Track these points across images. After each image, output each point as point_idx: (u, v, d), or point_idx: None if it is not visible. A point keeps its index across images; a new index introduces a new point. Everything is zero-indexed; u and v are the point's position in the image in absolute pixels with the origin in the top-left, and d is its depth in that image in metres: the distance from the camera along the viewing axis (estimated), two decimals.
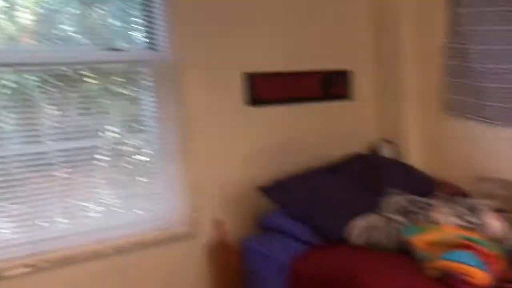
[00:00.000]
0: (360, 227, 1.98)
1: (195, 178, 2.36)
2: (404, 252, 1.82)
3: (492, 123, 2.34)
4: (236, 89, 2.47)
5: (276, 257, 2.03)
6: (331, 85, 2.70)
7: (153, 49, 2.25)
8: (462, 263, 1.48)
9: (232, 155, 2.46)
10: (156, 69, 2.24)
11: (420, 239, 1.70)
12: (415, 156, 2.71)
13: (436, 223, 1.87)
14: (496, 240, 1.77)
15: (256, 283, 2.21)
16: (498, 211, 2.08)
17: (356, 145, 2.75)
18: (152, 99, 2.25)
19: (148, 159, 2.29)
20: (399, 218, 2.00)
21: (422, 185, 2.36)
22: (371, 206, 2.14)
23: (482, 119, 2.38)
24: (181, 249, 2.34)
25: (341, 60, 2.75)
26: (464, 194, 2.23)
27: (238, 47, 2.45)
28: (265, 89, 2.53)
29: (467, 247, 1.54)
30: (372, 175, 2.34)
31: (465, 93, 2.45)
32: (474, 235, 1.62)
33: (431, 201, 2.06)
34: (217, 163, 2.42)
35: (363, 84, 2.82)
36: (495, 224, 1.80)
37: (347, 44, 2.78)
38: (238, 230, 2.43)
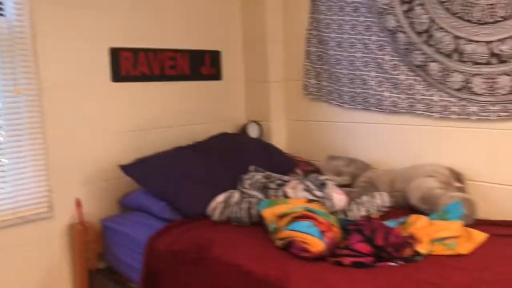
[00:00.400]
0: (219, 203, 2.04)
1: (55, 157, 2.24)
2: (259, 225, 1.92)
3: (345, 106, 2.55)
4: (101, 64, 2.38)
5: (135, 235, 2.02)
6: (200, 65, 2.72)
7: (2, 15, 2.07)
8: (302, 232, 1.60)
9: (95, 133, 2.37)
10: (6, 37, 2.06)
11: (270, 212, 1.80)
12: (279, 136, 2.86)
13: (287, 197, 2.00)
14: (339, 212, 1.95)
15: (117, 263, 2.18)
16: (344, 186, 2.30)
17: (224, 125, 2.82)
18: (3, 70, 2.08)
19: (2, 137, 2.11)
20: (256, 193, 2.10)
21: (282, 164, 2.50)
22: (232, 183, 2.23)
23: (337, 103, 2.58)
24: (38, 230, 2.22)
25: (211, 41, 2.78)
26: (318, 172, 2.41)
27: (104, 21, 2.36)
28: (133, 65, 2.47)
29: (307, 217, 1.67)
30: (235, 154, 2.42)
31: (323, 78, 2.63)
32: (315, 207, 1.76)
33: (286, 178, 2.19)
34: (79, 141, 2.32)
35: (233, 66, 2.88)
36: (338, 197, 1.97)
37: (217, 25, 2.81)
38: (101, 210, 2.37)
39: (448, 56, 2.08)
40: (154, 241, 1.88)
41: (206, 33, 2.76)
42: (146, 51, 2.51)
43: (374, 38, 2.34)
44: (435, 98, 2.17)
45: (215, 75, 2.81)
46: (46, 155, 2.21)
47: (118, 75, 2.42)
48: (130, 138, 2.48)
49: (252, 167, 2.28)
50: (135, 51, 2.47)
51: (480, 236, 1.70)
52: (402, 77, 2.27)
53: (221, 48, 2.83)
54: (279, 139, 2.85)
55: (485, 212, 1.97)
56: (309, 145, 2.75)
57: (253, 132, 2.82)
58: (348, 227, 1.69)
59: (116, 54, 2.40)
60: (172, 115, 2.64)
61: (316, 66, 2.65)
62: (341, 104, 2.56)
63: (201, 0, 2.72)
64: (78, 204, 2.29)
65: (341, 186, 2.30)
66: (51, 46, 2.19)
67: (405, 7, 2.18)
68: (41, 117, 2.19)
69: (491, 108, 2.00)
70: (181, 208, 2.05)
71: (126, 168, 2.19)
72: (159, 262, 1.81)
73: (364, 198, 2.02)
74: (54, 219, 2.26)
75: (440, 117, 2.17)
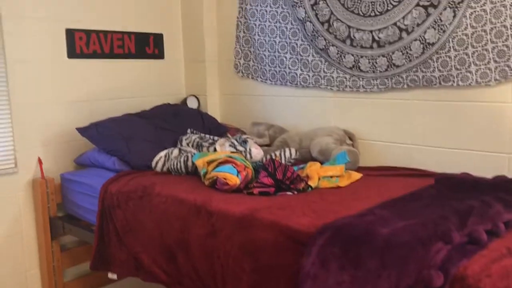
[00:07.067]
0: (161, 157, 2.52)
1: (19, 121, 2.62)
2: (194, 175, 2.42)
3: (267, 82, 3.08)
4: (59, 43, 2.77)
5: (92, 183, 2.46)
6: (145, 45, 3.16)
7: None
8: (224, 172, 2.12)
9: (54, 102, 2.76)
10: None
11: (201, 160, 2.30)
12: (214, 108, 3.37)
13: (215, 151, 2.52)
14: (255, 162, 2.48)
15: (75, 208, 2.61)
16: (265, 145, 2.84)
17: (167, 98, 3.28)
18: None
19: None
20: (192, 150, 2.60)
21: (215, 129, 3.01)
22: (173, 143, 2.72)
23: (261, 80, 3.12)
24: (5, 184, 2.61)
25: (155, 24, 3.23)
26: (243, 134, 2.94)
27: (62, 5, 2.75)
28: (86, 44, 2.87)
29: (228, 161, 2.19)
30: (176, 120, 2.90)
31: (250, 59, 3.15)
32: (235, 155, 2.29)
33: (216, 138, 2.71)
34: (40, 108, 2.71)
35: (174, 46, 3.35)
36: (255, 151, 2.50)
37: (160, 11, 3.26)
38: (59, 167, 2.78)
39: (343, 41, 2.65)
40: (108, 185, 2.34)
41: (150, 17, 3.20)
42: (97, 32, 2.92)
43: (289, 26, 2.88)
44: (334, 75, 2.74)
45: (158, 54, 3.26)
46: (11, 120, 2.60)
47: (73, 53, 2.82)
48: (84, 107, 2.89)
49: (189, 130, 2.77)
50: (87, 32, 2.87)
51: (357, 176, 2.29)
52: (310, 58, 2.82)
53: (163, 31, 3.28)
54: (214, 110, 3.35)
55: (369, 162, 2.58)
56: (238, 114, 3.28)
57: (192, 104, 3.30)
58: (259, 169, 2.22)
59: (71, 34, 2.80)
60: (121, 88, 3.07)
61: (244, 48, 3.17)
62: (264, 81, 3.09)
63: None
64: (40, 161, 2.70)
65: (262, 146, 2.84)
66: (15, 27, 2.57)
67: (312, 1, 2.73)
68: (7, 87, 2.57)
69: (373, 82, 2.59)
70: (130, 162, 2.52)
71: (82, 130, 2.62)
72: (112, 201, 2.27)
73: (277, 152, 2.56)
74: (19, 174, 2.65)
75: (338, 90, 2.74)
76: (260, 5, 2.99)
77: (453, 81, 2.28)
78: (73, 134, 2.71)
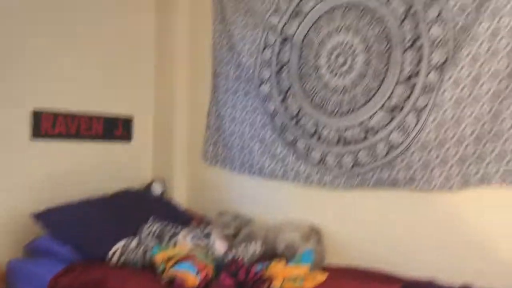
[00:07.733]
0: (118, 248, 2.40)
1: None
2: (150, 268, 2.29)
3: (235, 171, 3.06)
4: (22, 124, 2.71)
5: (40, 275, 2.30)
6: (113, 128, 3.13)
7: None
8: (183, 270, 2.02)
9: (12, 184, 2.65)
10: None
11: (161, 255, 2.19)
12: (181, 193, 3.30)
13: (177, 244, 2.42)
14: (220, 256, 2.38)
15: None
16: (230, 236, 2.76)
17: (132, 181, 3.20)
18: None
19: None
20: (152, 241, 2.49)
21: (179, 217, 2.92)
22: (133, 232, 2.60)
23: (229, 168, 3.09)
24: None
25: (125, 106, 3.22)
26: (208, 224, 2.85)
27: (26, 85, 2.72)
28: (52, 126, 2.82)
29: (189, 258, 2.09)
30: (138, 207, 2.80)
31: (219, 147, 3.15)
32: (196, 251, 2.19)
33: (179, 229, 2.61)
34: None
35: (142, 129, 3.32)
36: (219, 244, 2.42)
37: (132, 93, 3.27)
38: (6, 254, 2.60)
39: (311, 136, 2.68)
40: (57, 278, 2.19)
41: (121, 99, 3.20)
42: (64, 115, 2.88)
43: (259, 118, 2.92)
44: (301, 168, 2.74)
45: (127, 136, 3.22)
46: None
47: (38, 133, 2.76)
48: (43, 190, 2.77)
49: (151, 218, 2.67)
50: (55, 115, 2.83)
51: (322, 278, 2.21)
52: (278, 150, 2.83)
53: (133, 113, 3.27)
54: (181, 196, 3.28)
55: (335, 259, 2.52)
56: (205, 202, 3.21)
57: (156, 190, 3.21)
58: (221, 266, 2.13)
59: (38, 115, 2.75)
60: (86, 170, 2.98)
61: (214, 136, 3.17)
62: (233, 169, 3.07)
63: (117, 72, 3.18)
64: None
65: (227, 236, 2.76)
66: None
67: (281, 97, 2.79)
68: None
69: (340, 178, 2.59)
70: (85, 252, 2.38)
71: (37, 216, 2.49)
72: None
73: (242, 246, 2.48)
74: None
75: (305, 183, 2.73)
76: (232, 95, 3.04)
77: (417, 184, 2.30)
78: (29, 218, 2.57)
